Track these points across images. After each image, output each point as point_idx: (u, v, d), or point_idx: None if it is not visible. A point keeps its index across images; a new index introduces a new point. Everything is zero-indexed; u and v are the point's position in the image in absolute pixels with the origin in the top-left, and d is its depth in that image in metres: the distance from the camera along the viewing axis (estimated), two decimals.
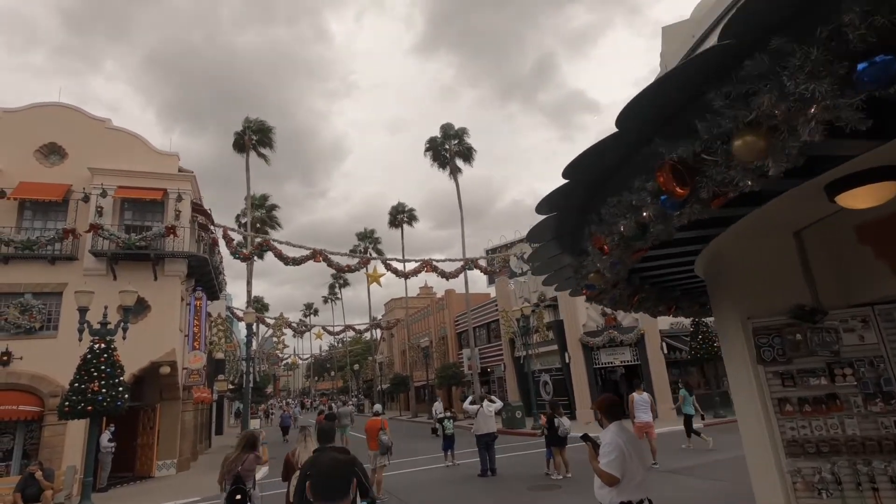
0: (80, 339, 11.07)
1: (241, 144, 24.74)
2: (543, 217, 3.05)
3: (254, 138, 24.59)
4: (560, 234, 3.47)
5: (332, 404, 27.46)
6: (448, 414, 13.51)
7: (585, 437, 4.09)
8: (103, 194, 15.20)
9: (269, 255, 34.00)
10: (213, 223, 18.29)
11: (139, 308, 15.30)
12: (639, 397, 11.87)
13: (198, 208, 17.13)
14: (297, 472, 4.86)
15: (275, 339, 20.79)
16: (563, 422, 10.62)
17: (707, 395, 21.07)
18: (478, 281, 59.17)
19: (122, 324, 11.84)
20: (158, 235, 15.11)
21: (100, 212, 14.99)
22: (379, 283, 22.95)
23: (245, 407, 16.90)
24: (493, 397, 12.80)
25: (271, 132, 24.94)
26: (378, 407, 10.69)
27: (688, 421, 13.32)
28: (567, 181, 2.55)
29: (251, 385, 17.04)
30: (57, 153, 15.98)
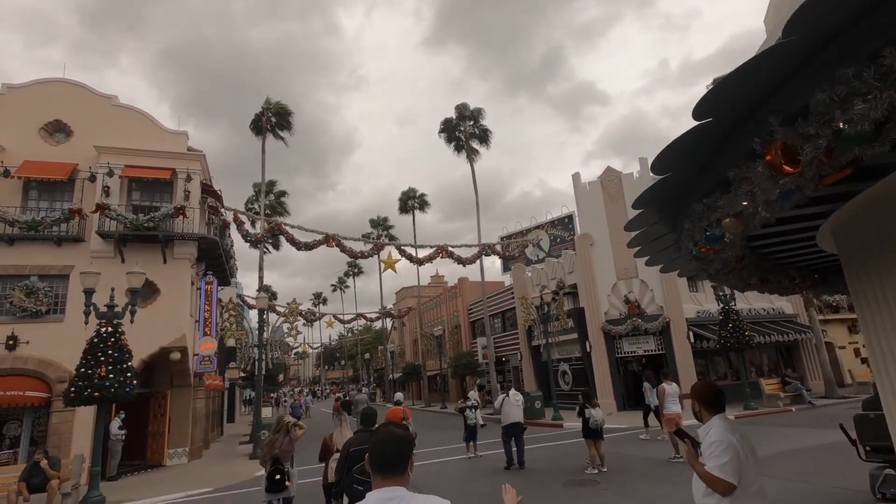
0: (87, 323, 10.51)
1: (258, 126, 24.01)
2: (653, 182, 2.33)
3: (272, 120, 23.87)
4: (688, 178, 2.74)
5: (349, 391, 27.06)
6: (471, 403, 12.84)
7: (681, 433, 3.37)
8: (110, 174, 14.59)
9: (280, 245, 33.68)
10: (223, 205, 17.67)
11: (148, 292, 14.78)
12: (669, 388, 11.21)
13: (208, 189, 16.51)
14: (336, 453, 5.68)
15: (287, 325, 20.25)
16: (595, 413, 9.91)
17: (736, 385, 20.25)
18: (490, 269, 58.49)
19: (129, 307, 11.27)
20: (167, 216, 14.51)
21: (106, 192, 14.40)
22: (394, 269, 22.22)
23: (257, 395, 16.38)
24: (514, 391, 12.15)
25: (290, 115, 24.21)
26: (399, 396, 10.05)
27: (648, 413, 13.91)
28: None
29: (263, 373, 16.49)
30: (62, 131, 15.40)
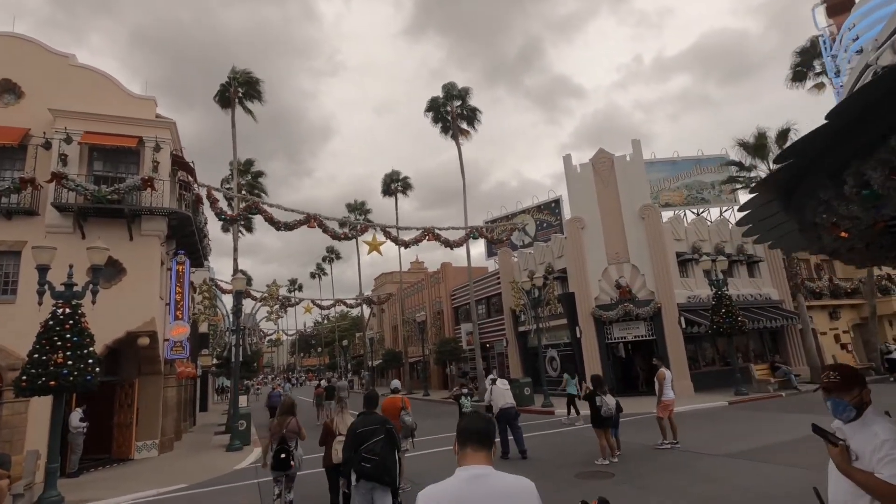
0: (41, 304, 9.30)
1: (225, 98, 22.43)
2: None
3: (240, 91, 22.30)
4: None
5: (328, 379, 26.09)
6: (465, 391, 12.17)
7: (821, 431, 2.66)
8: (68, 140, 13.14)
9: (253, 228, 32.09)
10: (196, 179, 16.33)
11: (113, 272, 13.51)
12: (668, 374, 10.85)
13: (179, 161, 15.15)
14: (339, 436, 6.34)
15: (266, 308, 19.11)
16: (607, 400, 9.30)
17: (726, 370, 20.18)
18: (472, 256, 57.94)
19: (91, 286, 10.08)
20: (133, 188, 13.18)
21: (63, 160, 12.97)
22: (379, 252, 21.24)
23: (234, 383, 15.29)
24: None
25: (259, 84, 22.61)
26: (396, 383, 9.21)
27: (570, 400, 15.32)
28: None
29: (241, 359, 15.41)
30: (11, 91, 13.81)
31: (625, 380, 21.47)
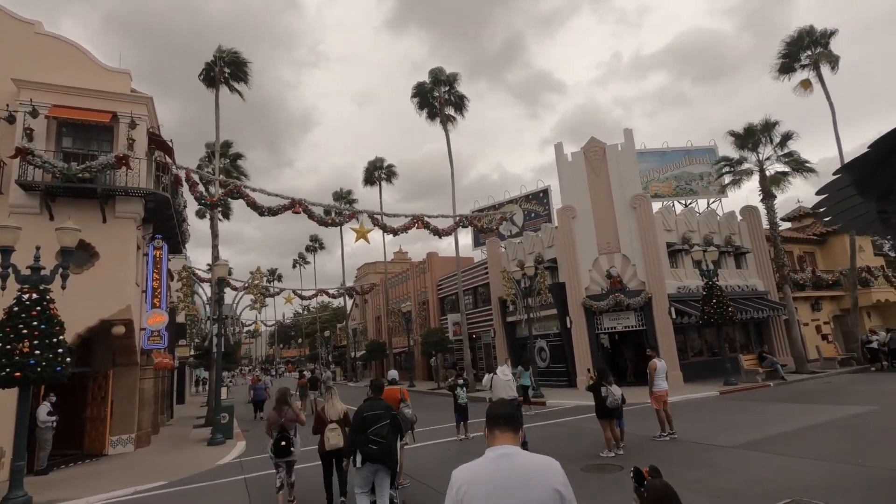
0: (4, 288, 8.49)
1: (210, 77, 21.29)
2: None
3: (226, 71, 21.20)
4: None
5: (312, 370, 25.45)
6: (461, 381, 11.75)
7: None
8: (34, 113, 12.16)
9: (231, 214, 30.93)
10: (174, 160, 15.42)
11: (85, 256, 12.65)
12: (660, 364, 10.65)
13: (156, 139, 14.25)
14: (330, 423, 6.72)
15: (251, 296, 18.32)
16: (613, 391, 8.99)
17: (714, 361, 20.25)
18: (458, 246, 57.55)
19: (60, 270, 9.30)
20: (107, 167, 12.29)
21: (29, 135, 12.00)
22: (366, 240, 20.61)
23: (217, 374, 14.56)
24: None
25: (246, 66, 21.53)
26: (394, 374, 8.72)
27: (525, 390, 16.27)
28: None
29: (222, 350, 14.68)
30: None
31: (613, 370, 21.33)
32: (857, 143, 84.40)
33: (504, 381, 10.46)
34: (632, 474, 2.61)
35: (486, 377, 11.07)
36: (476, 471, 2.07)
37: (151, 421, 15.53)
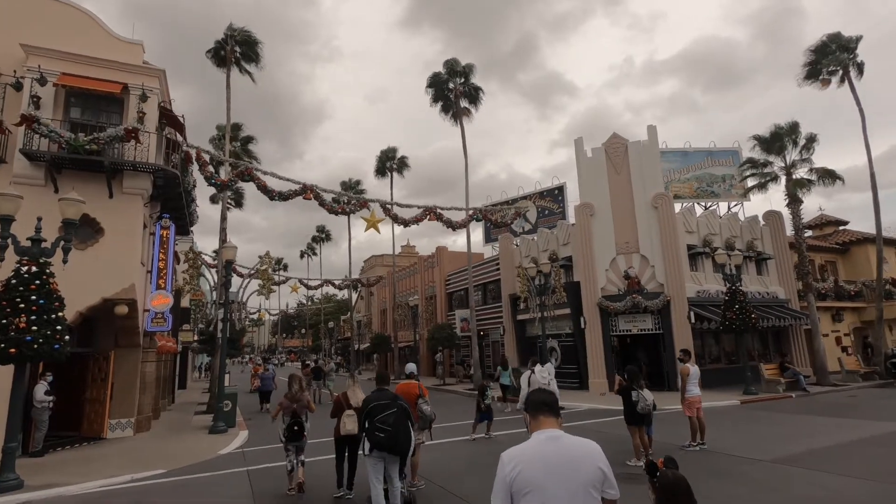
0: (2, 260, 8.01)
1: (220, 56, 20.77)
2: None
3: (237, 50, 20.66)
4: None
5: (315, 361, 25.02)
6: (491, 384, 11.33)
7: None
8: (42, 81, 11.67)
9: (243, 203, 30.47)
10: (185, 137, 14.91)
11: (89, 232, 12.19)
12: (693, 369, 10.00)
13: (167, 114, 13.75)
14: (348, 409, 6.87)
15: (259, 282, 17.82)
16: (645, 395, 8.39)
17: (731, 368, 19.59)
18: (465, 240, 56.94)
19: (62, 243, 8.82)
20: (115, 139, 11.79)
21: (36, 102, 11.52)
22: (377, 230, 20.04)
23: (222, 359, 14.04)
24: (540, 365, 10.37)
25: (258, 45, 20.97)
26: (412, 367, 8.13)
27: (504, 389, 16.60)
28: None
29: (228, 335, 14.18)
30: None
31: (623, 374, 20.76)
32: (860, 152, 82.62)
33: (541, 382, 9.63)
34: (644, 466, 2.58)
35: (524, 374, 10.32)
36: (527, 451, 2.26)
37: (152, 405, 15.09)
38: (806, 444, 9.30)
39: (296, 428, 7.15)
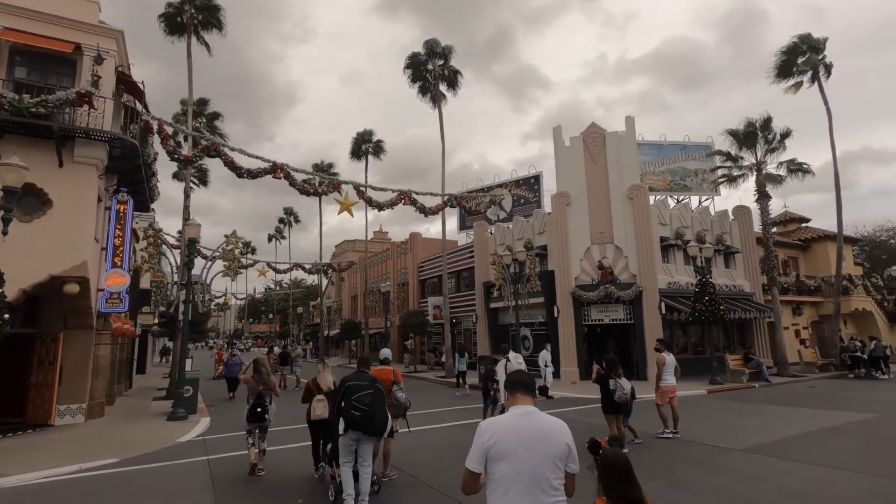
0: None
1: (176, 23, 19.44)
2: None
3: (197, 17, 19.38)
4: None
5: (283, 346, 24.31)
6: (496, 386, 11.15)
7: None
8: None
9: (208, 180, 29.13)
10: (146, 106, 13.93)
11: (35, 203, 11.25)
12: (669, 358, 10.06)
13: (125, 80, 12.77)
14: (319, 394, 6.92)
15: (224, 263, 16.98)
16: (622, 383, 8.29)
17: (698, 359, 19.98)
18: (440, 227, 56.37)
19: (2, 213, 7.99)
20: (66, 103, 10.83)
21: None
22: (350, 213, 19.40)
23: (183, 343, 13.33)
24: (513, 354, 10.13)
25: (219, 11, 19.70)
26: (387, 352, 7.76)
27: (461, 375, 18.43)
28: None
29: (189, 318, 13.44)
30: None
31: (592, 363, 20.94)
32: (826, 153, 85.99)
33: (517, 367, 9.50)
34: (587, 444, 2.70)
35: (500, 363, 10.06)
36: (504, 424, 2.52)
37: (106, 390, 14.24)
38: (775, 434, 9.42)
39: (258, 409, 7.20)
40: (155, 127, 14.89)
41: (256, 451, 7.32)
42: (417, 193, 20.84)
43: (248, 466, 7.36)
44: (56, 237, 11.16)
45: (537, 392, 14.51)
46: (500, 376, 8.77)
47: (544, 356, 15.99)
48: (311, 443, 7.34)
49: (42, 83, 11.58)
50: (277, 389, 7.61)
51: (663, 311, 19.10)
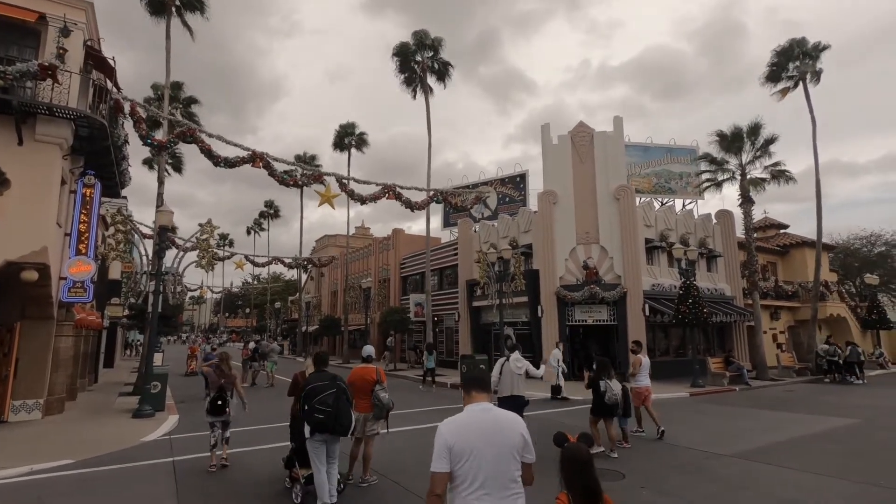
0: None
1: (162, 5, 18.64)
2: None
3: None
4: None
5: (257, 341, 23.53)
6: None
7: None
8: None
9: (183, 168, 28.04)
10: (116, 84, 13.14)
11: None
12: (645, 360, 10.08)
13: (95, 55, 11.99)
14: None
15: (199, 254, 16.22)
16: (612, 385, 8.02)
17: (679, 361, 20.01)
18: (423, 225, 55.90)
19: None
20: (27, 75, 10.06)
21: None
22: (332, 205, 18.83)
23: (152, 336, 12.62)
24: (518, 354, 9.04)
25: None
26: (369, 349, 7.29)
27: (427, 372, 18.63)
28: None
29: (160, 310, 12.75)
30: None
31: (586, 363, 20.80)
32: (810, 159, 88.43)
33: (514, 371, 8.11)
34: (554, 437, 2.81)
35: (497, 363, 8.58)
36: (463, 421, 2.66)
37: (68, 385, 13.44)
38: (762, 439, 9.27)
39: (219, 402, 7.18)
40: (127, 108, 14.09)
41: (219, 452, 7.34)
42: (402, 188, 20.33)
43: (211, 466, 7.31)
44: (14, 220, 10.38)
45: (550, 392, 14.58)
46: (495, 375, 8.29)
47: (556, 354, 15.35)
48: (282, 444, 7.30)
49: (2, 54, 10.76)
50: (238, 384, 7.57)
51: (647, 313, 19.04)
